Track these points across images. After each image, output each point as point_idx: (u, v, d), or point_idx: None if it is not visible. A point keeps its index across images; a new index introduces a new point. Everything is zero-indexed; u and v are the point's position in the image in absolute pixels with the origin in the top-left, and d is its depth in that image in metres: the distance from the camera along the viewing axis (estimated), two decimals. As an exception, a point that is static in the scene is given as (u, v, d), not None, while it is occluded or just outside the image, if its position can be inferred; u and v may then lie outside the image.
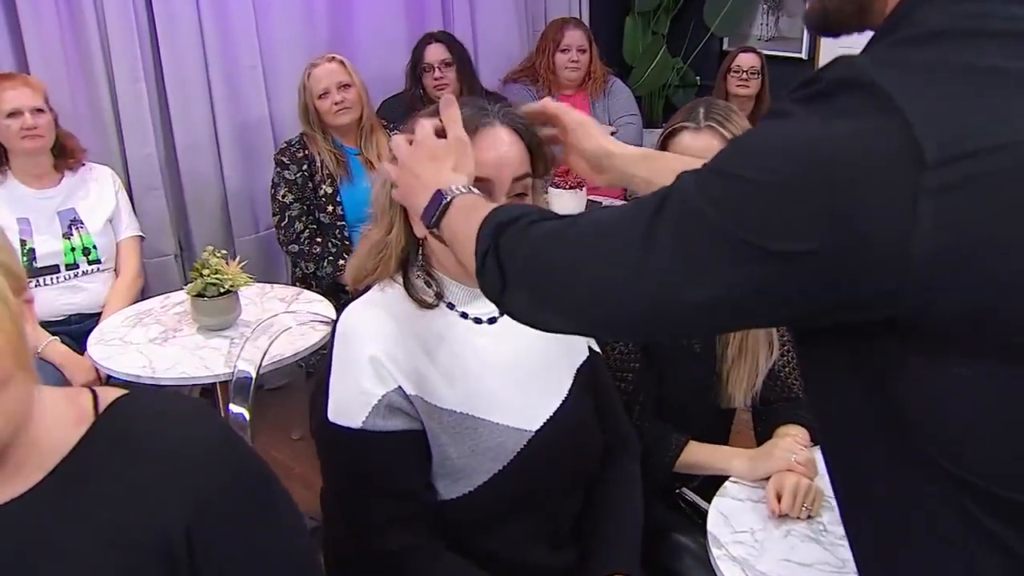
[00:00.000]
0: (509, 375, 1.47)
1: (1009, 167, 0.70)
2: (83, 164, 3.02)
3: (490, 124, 1.36)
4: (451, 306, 1.45)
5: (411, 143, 1.22)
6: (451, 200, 1.10)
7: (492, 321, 1.47)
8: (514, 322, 0.97)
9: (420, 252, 1.44)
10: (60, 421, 0.96)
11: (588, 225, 0.90)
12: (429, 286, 1.44)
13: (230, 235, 3.75)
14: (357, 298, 1.47)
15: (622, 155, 1.35)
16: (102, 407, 0.98)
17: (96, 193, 3.02)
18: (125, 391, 1.02)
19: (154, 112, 3.47)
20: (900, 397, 0.79)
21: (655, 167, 1.31)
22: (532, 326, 0.96)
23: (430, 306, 1.43)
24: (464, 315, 1.46)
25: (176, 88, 3.52)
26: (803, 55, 4.48)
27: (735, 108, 1.89)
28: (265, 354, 1.91)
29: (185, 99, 3.54)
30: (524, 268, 0.93)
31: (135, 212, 3.21)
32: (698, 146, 1.82)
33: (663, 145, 1.90)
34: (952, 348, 0.75)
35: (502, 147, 1.36)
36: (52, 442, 0.94)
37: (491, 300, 0.99)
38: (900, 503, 0.85)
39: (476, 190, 1.13)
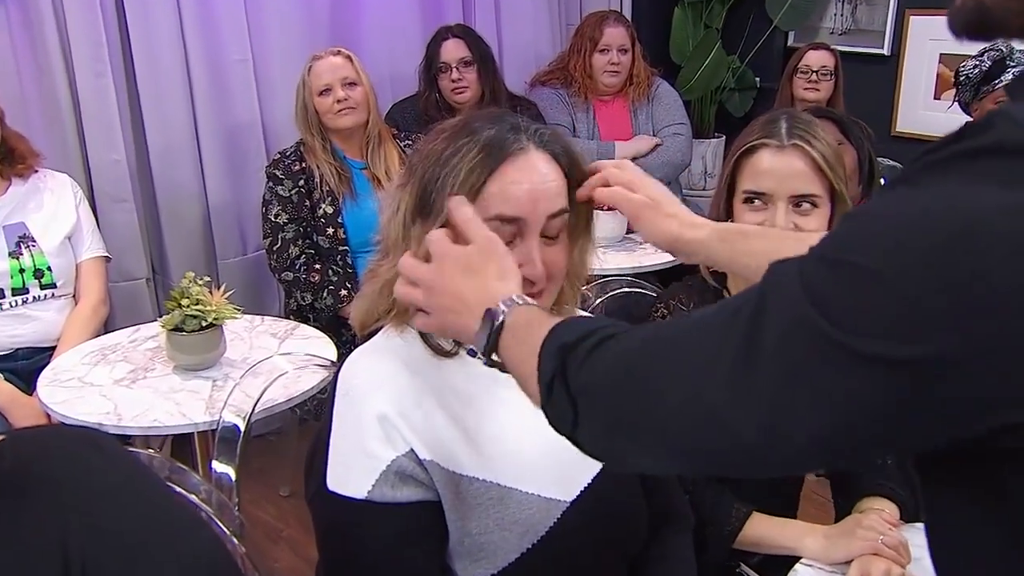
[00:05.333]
0: (540, 435, 1.39)
1: None
2: (36, 171, 2.93)
3: (523, 149, 1.31)
4: (472, 353, 1.41)
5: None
6: (503, 321, 1.06)
7: (521, 370, 1.43)
8: None
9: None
10: None
11: (673, 338, 0.85)
12: (447, 329, 1.41)
13: (212, 257, 3.75)
14: (363, 342, 1.43)
15: (695, 240, 1.29)
16: None
17: (52, 205, 2.94)
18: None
19: (123, 111, 3.45)
20: None
21: (737, 249, 1.27)
22: (613, 464, 0.93)
23: (448, 354, 1.39)
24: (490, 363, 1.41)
25: (149, 83, 3.50)
26: (885, 51, 4.36)
27: (819, 123, 1.83)
28: (256, 404, 1.87)
29: (160, 96, 3.53)
30: (599, 394, 0.89)
31: (99, 228, 3.15)
32: (781, 168, 1.78)
33: (736, 165, 1.85)
34: None
35: (536, 177, 1.30)
36: None
37: (562, 434, 0.95)
38: None
39: (530, 300, 1.09)
